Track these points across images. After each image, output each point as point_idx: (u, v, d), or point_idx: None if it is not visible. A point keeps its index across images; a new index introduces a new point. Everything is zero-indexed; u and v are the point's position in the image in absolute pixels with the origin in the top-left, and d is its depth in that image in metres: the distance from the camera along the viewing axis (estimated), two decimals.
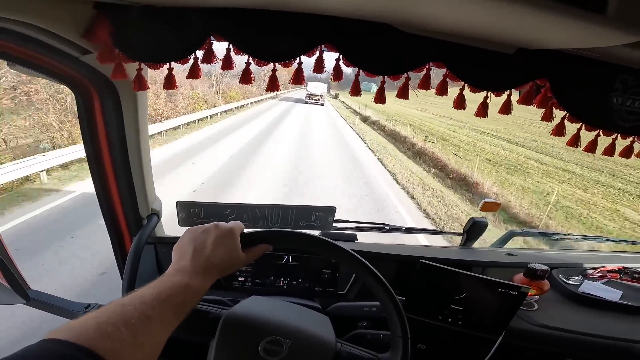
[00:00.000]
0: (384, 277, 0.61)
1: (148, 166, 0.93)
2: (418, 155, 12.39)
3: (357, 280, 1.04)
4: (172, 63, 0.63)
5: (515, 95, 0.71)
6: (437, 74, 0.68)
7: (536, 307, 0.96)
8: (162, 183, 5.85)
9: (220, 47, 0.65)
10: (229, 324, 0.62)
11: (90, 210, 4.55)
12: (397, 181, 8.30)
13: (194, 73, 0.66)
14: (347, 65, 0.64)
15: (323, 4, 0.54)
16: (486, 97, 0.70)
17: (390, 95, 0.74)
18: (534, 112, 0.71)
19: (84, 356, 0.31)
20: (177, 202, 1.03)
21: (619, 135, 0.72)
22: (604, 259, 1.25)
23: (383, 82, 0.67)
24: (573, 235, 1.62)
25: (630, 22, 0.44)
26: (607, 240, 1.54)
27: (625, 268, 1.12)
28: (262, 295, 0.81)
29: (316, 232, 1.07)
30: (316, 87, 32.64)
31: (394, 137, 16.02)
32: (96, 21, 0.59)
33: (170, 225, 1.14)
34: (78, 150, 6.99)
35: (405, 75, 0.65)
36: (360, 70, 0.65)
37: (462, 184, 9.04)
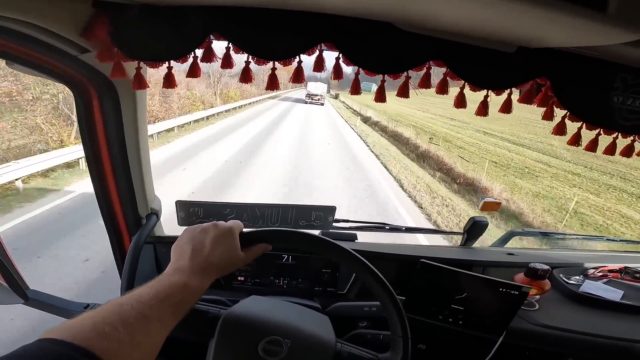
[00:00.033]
0: (384, 276, 0.61)
1: (147, 165, 0.93)
2: (422, 157, 11.80)
3: (357, 280, 1.04)
4: (172, 62, 0.63)
5: (515, 95, 0.71)
6: (437, 73, 0.67)
7: (537, 306, 0.96)
8: None
9: (219, 46, 0.65)
10: (228, 324, 0.62)
11: (90, 210, 4.54)
12: (402, 188, 7.67)
13: (194, 72, 0.66)
14: (347, 64, 0.64)
15: (323, 2, 0.54)
16: (486, 96, 0.69)
17: (391, 95, 0.74)
18: (537, 113, 0.71)
19: (80, 356, 0.31)
20: (176, 202, 1.03)
21: (619, 134, 0.72)
22: (604, 259, 1.25)
23: (383, 81, 0.67)
24: (573, 234, 1.62)
25: (631, 20, 0.44)
26: (607, 239, 1.53)
27: (626, 268, 1.11)
28: (262, 295, 0.81)
29: (316, 232, 1.07)
30: (316, 87, 32.65)
31: (397, 139, 15.46)
32: (95, 20, 0.59)
33: (170, 225, 1.14)
34: (61, 155, 6.61)
35: (405, 74, 0.65)
36: (360, 70, 0.65)
37: (470, 190, 8.60)
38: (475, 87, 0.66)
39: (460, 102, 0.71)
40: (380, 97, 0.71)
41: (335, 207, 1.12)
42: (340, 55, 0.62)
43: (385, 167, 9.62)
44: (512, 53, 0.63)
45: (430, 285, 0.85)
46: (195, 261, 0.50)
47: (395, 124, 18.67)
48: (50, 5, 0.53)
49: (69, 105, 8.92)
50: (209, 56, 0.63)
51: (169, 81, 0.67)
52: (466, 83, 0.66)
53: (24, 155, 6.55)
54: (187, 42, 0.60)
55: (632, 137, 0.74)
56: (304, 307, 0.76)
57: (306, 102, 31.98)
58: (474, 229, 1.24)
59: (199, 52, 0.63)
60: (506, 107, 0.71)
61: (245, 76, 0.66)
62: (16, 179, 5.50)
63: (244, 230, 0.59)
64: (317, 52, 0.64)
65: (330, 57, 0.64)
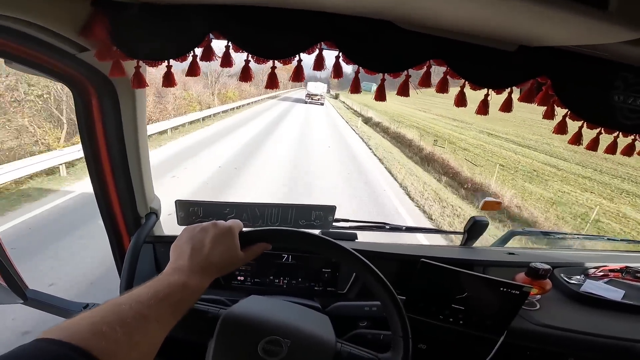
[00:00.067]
0: (385, 276, 0.61)
1: (147, 164, 0.93)
2: (427, 161, 11.21)
3: (357, 280, 1.04)
4: (170, 61, 0.63)
5: (516, 94, 0.71)
6: (438, 72, 0.67)
7: (538, 306, 0.96)
8: None
9: (218, 45, 0.65)
10: (227, 324, 0.62)
11: (90, 210, 4.47)
12: (410, 196, 7.05)
13: (193, 71, 0.66)
14: (347, 63, 0.64)
15: (323, 1, 0.54)
16: (487, 95, 0.69)
17: (391, 95, 0.74)
18: (540, 113, 0.71)
19: (77, 356, 0.30)
20: (176, 201, 1.03)
21: (620, 133, 0.72)
22: (605, 258, 1.25)
23: (383, 80, 0.67)
24: (574, 234, 1.62)
25: (632, 18, 0.44)
26: (608, 239, 1.53)
27: (627, 267, 1.11)
28: (262, 294, 0.80)
29: (316, 231, 1.07)
30: (316, 87, 32.70)
31: (399, 141, 14.88)
32: (94, 18, 0.59)
33: (169, 224, 1.14)
34: (40, 162, 5.99)
35: (405, 72, 0.65)
36: (361, 69, 0.65)
37: (480, 196, 7.98)
38: (476, 86, 0.66)
39: (461, 100, 0.70)
40: (380, 96, 0.71)
41: (335, 207, 1.12)
42: (340, 54, 0.62)
43: (390, 172, 8.98)
44: (513, 52, 0.63)
45: (430, 285, 0.85)
46: (195, 260, 0.50)
47: (397, 125, 18.13)
48: (49, 4, 0.52)
49: (59, 106, 8.60)
50: (208, 55, 0.63)
51: (168, 80, 0.67)
52: (466, 82, 0.66)
53: (13, 159, 6.37)
54: (186, 41, 0.60)
55: (633, 136, 0.74)
56: (303, 306, 0.75)
57: (306, 102, 32.01)
58: (475, 228, 1.23)
59: (198, 51, 0.63)
60: (506, 106, 0.71)
61: (245, 75, 0.65)
62: None
63: (244, 229, 0.58)
64: (317, 51, 0.63)
65: (330, 56, 0.64)
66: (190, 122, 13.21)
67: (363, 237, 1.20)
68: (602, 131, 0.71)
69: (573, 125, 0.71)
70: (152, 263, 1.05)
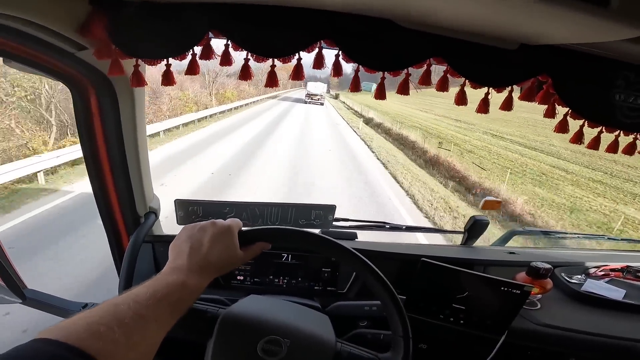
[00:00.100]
0: (385, 276, 0.60)
1: (146, 163, 0.92)
2: (431, 164, 10.56)
3: (357, 279, 1.03)
4: (169, 59, 0.62)
5: (516, 92, 0.70)
6: (438, 72, 0.67)
7: (539, 306, 0.95)
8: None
9: (217, 45, 0.64)
10: (226, 324, 0.61)
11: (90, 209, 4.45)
12: (417, 206, 6.52)
13: (192, 69, 0.65)
14: (347, 61, 0.63)
15: None
16: (487, 94, 0.69)
17: (392, 96, 0.73)
18: (543, 113, 0.70)
19: (74, 356, 0.30)
20: (175, 201, 1.03)
21: (621, 132, 0.71)
22: (606, 258, 1.24)
23: (383, 78, 0.67)
24: (574, 233, 1.62)
25: (634, 15, 0.44)
26: (609, 238, 1.53)
27: (628, 267, 1.11)
28: (261, 294, 0.80)
29: (316, 231, 1.06)
30: (316, 87, 32.72)
31: (402, 143, 14.23)
32: (92, 16, 0.58)
33: (169, 224, 1.14)
34: (12, 170, 5.46)
35: (405, 71, 0.65)
36: (361, 68, 0.65)
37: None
38: (476, 85, 0.65)
39: (461, 99, 0.70)
40: (380, 94, 0.70)
41: (335, 206, 1.11)
42: (340, 52, 0.62)
43: (395, 179, 8.29)
44: (513, 50, 0.63)
45: (431, 284, 0.85)
46: (194, 260, 0.50)
47: (399, 126, 17.52)
48: (47, 2, 0.52)
49: (48, 107, 8.25)
50: (207, 53, 0.63)
51: (167, 79, 0.67)
52: (467, 80, 0.66)
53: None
54: (185, 39, 0.60)
55: (634, 135, 0.74)
56: (303, 306, 0.75)
57: (306, 102, 32.00)
58: (475, 227, 1.23)
59: (197, 50, 0.62)
60: (507, 105, 0.71)
61: (245, 73, 0.65)
62: None
63: (243, 228, 0.58)
64: (317, 50, 0.63)
65: (330, 54, 0.64)
66: (184, 124, 12.58)
67: (363, 236, 1.19)
68: (604, 130, 0.71)
69: (574, 125, 0.71)
70: (152, 262, 1.05)
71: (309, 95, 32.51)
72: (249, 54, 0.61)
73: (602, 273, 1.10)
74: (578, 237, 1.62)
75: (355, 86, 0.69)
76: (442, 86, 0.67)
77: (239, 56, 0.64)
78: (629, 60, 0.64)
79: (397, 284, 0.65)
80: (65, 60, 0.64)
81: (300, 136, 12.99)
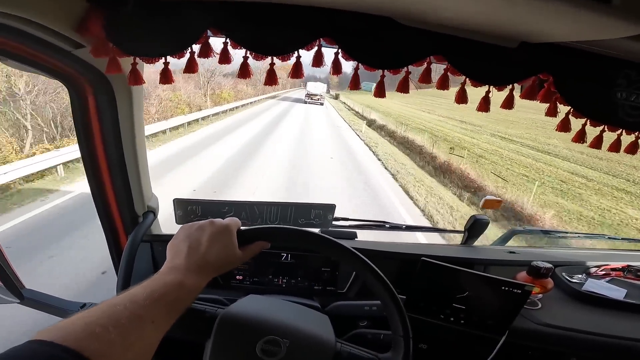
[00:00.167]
0: (385, 275, 0.60)
1: (144, 163, 0.92)
2: (442, 171, 9.44)
3: (357, 279, 1.03)
4: (167, 57, 0.62)
5: (518, 91, 0.70)
6: (439, 71, 0.66)
7: (540, 305, 0.95)
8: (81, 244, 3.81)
9: (215, 42, 0.64)
10: (225, 324, 0.61)
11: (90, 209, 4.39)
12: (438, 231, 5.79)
13: (191, 67, 0.65)
14: (347, 59, 0.63)
15: None
16: (488, 92, 0.68)
17: (393, 96, 0.73)
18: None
19: (70, 357, 0.30)
20: (174, 200, 1.02)
21: (624, 131, 0.71)
22: (607, 257, 1.24)
23: (383, 76, 0.66)
24: (575, 233, 1.61)
25: (636, 13, 0.43)
26: (609, 238, 1.53)
27: (629, 266, 1.10)
28: (260, 294, 0.80)
29: (315, 230, 1.06)
30: (315, 86, 32.74)
31: (408, 147, 12.99)
32: (89, 14, 0.58)
33: (168, 224, 1.13)
34: None
35: (405, 69, 0.64)
36: (360, 66, 0.64)
37: (512, 219, 6.57)
38: (476, 83, 0.65)
39: (462, 97, 0.70)
40: (380, 92, 0.70)
41: (335, 205, 1.11)
42: (340, 50, 0.61)
43: (407, 193, 7.13)
44: (514, 48, 0.62)
45: (431, 283, 0.84)
46: (192, 259, 0.49)
47: (404, 129, 16.12)
48: (44, 0, 0.52)
49: (23, 110, 7.76)
50: (206, 52, 0.62)
51: (165, 77, 0.66)
52: (467, 78, 0.65)
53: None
54: (184, 37, 0.59)
55: (636, 134, 0.73)
56: (303, 306, 0.75)
57: (305, 102, 31.98)
58: (475, 227, 1.23)
59: (196, 48, 0.62)
60: (508, 103, 0.70)
61: (244, 71, 0.65)
62: None
63: (242, 227, 0.58)
64: (316, 48, 0.63)
65: (329, 53, 0.64)
66: (173, 128, 11.33)
67: (363, 236, 1.19)
68: (606, 129, 0.70)
69: (577, 124, 0.70)
70: (150, 262, 1.04)
71: (308, 95, 32.49)
72: (248, 52, 0.61)
73: (603, 272, 1.10)
74: (578, 236, 1.61)
75: (354, 84, 0.68)
76: (443, 84, 0.67)
77: (237, 54, 0.64)
78: (630, 58, 0.63)
79: (397, 284, 0.65)
80: (63, 59, 0.64)
81: (299, 138, 12.41)
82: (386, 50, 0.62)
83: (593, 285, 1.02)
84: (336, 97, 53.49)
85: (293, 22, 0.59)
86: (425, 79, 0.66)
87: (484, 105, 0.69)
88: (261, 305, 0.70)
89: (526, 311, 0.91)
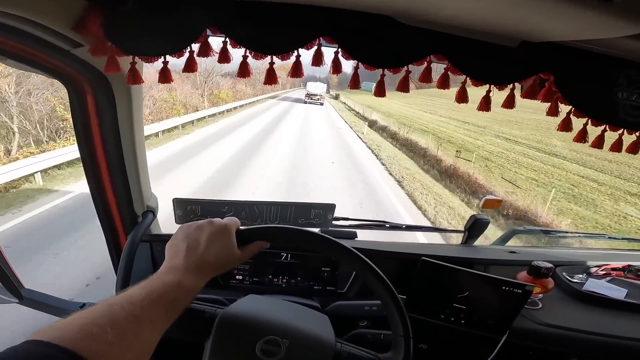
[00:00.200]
0: (385, 275, 0.60)
1: (143, 162, 0.92)
2: (447, 176, 8.93)
3: (357, 279, 1.03)
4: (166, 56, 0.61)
5: (518, 91, 0.70)
6: (439, 70, 0.66)
7: (540, 305, 0.94)
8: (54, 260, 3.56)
9: (214, 41, 0.64)
10: (224, 324, 0.61)
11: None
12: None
13: (190, 67, 0.65)
14: (346, 58, 0.63)
15: None
16: (489, 91, 0.68)
17: (394, 96, 0.73)
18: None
19: (67, 358, 0.30)
20: (173, 200, 1.02)
21: (625, 130, 0.71)
22: (607, 257, 1.24)
23: (383, 75, 0.66)
24: (575, 232, 1.61)
25: (637, 12, 0.43)
26: (609, 237, 1.52)
27: (629, 266, 1.10)
28: (260, 294, 0.79)
29: (315, 230, 1.06)
30: (315, 87, 32.75)
31: (411, 150, 12.53)
32: (88, 13, 0.57)
33: (168, 224, 1.13)
34: None
35: (405, 68, 0.64)
36: (360, 65, 0.64)
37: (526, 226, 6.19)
38: (477, 82, 0.65)
39: (462, 97, 0.70)
40: (380, 91, 0.70)
41: (335, 205, 1.11)
42: (339, 49, 0.61)
43: (415, 203, 6.68)
44: (515, 47, 0.62)
45: (431, 283, 0.84)
46: (190, 259, 0.49)
47: (406, 130, 15.57)
48: None
49: (8, 112, 7.46)
50: (205, 51, 0.62)
51: (165, 76, 0.66)
52: (467, 78, 0.65)
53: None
54: (183, 36, 0.59)
55: (637, 134, 0.73)
56: (302, 306, 0.74)
57: (305, 102, 31.97)
58: (475, 226, 1.22)
59: (195, 47, 0.62)
60: (509, 103, 0.70)
61: (243, 70, 0.65)
62: None
63: (241, 227, 0.57)
64: (316, 47, 0.62)
65: (329, 52, 0.63)
66: (165, 130, 10.75)
67: (363, 235, 1.19)
68: (607, 128, 0.70)
69: (578, 123, 0.70)
70: (149, 262, 1.04)
71: (308, 95, 32.48)
72: (248, 51, 0.61)
73: (604, 272, 1.10)
74: (579, 236, 1.61)
75: (354, 83, 0.68)
76: (443, 84, 0.67)
77: (236, 53, 0.63)
78: (630, 58, 0.63)
79: (397, 284, 0.65)
80: (62, 58, 0.64)
81: (299, 141, 12.03)
82: (386, 49, 0.61)
83: (593, 285, 1.02)
84: (336, 97, 53.48)
85: (293, 20, 0.58)
86: (426, 78, 0.66)
87: (485, 104, 0.69)
88: (261, 305, 0.69)
89: (527, 311, 0.91)
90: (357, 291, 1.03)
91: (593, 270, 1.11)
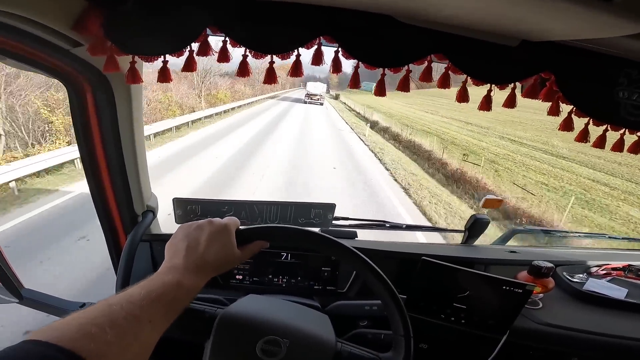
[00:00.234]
0: (385, 275, 0.60)
1: (143, 162, 0.92)
2: (454, 180, 8.52)
3: (357, 278, 1.03)
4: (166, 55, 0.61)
5: (519, 90, 0.69)
6: (440, 70, 0.66)
7: (541, 305, 0.94)
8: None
9: (214, 41, 0.63)
10: (224, 324, 0.61)
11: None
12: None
13: (190, 66, 0.65)
14: (347, 58, 0.62)
15: None
16: (490, 91, 0.68)
17: (395, 96, 0.73)
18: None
19: (65, 358, 0.29)
20: (173, 199, 1.02)
21: (626, 130, 0.70)
22: (607, 257, 1.24)
23: (383, 75, 0.66)
24: (576, 232, 1.61)
25: (637, 11, 0.43)
26: (610, 237, 1.52)
27: (629, 266, 1.10)
28: (260, 293, 0.79)
29: (315, 230, 1.06)
30: (315, 86, 32.75)
31: (415, 152, 12.08)
32: (88, 12, 0.57)
33: (168, 224, 1.13)
34: None
35: (405, 67, 0.64)
36: (361, 65, 0.64)
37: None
38: (477, 81, 0.65)
39: (463, 96, 0.70)
40: (380, 90, 0.70)
41: (335, 205, 1.11)
42: (340, 48, 0.61)
43: (424, 215, 6.23)
44: (515, 47, 0.62)
45: (431, 283, 0.84)
46: (190, 259, 0.49)
47: (408, 131, 15.11)
48: None
49: None
50: (205, 50, 0.62)
51: (164, 76, 0.66)
52: (468, 77, 0.65)
53: None
54: (183, 36, 0.59)
55: (638, 134, 0.73)
56: (303, 306, 0.74)
57: (305, 102, 31.95)
58: (476, 226, 1.22)
59: (194, 46, 0.62)
60: (510, 102, 0.70)
61: (243, 70, 0.64)
62: None
63: (241, 227, 0.57)
64: (316, 46, 0.62)
65: (329, 52, 0.63)
66: (158, 133, 10.28)
67: (363, 235, 1.19)
68: (609, 128, 0.70)
69: (580, 123, 0.70)
70: (149, 261, 1.04)
71: (308, 95, 32.47)
72: (247, 50, 0.61)
73: (604, 272, 1.10)
74: (579, 235, 1.61)
75: (354, 83, 0.68)
76: (444, 83, 0.67)
77: (236, 53, 0.63)
78: (631, 57, 0.63)
79: (397, 283, 0.65)
80: (61, 57, 0.63)
81: (299, 141, 11.92)
82: (386, 48, 0.61)
83: (594, 285, 1.02)
84: (336, 97, 53.45)
85: (293, 20, 0.58)
86: (426, 77, 0.66)
87: (486, 104, 0.69)
88: (261, 305, 0.69)
89: (527, 311, 0.91)
90: (358, 291, 1.03)
91: (593, 270, 1.11)
